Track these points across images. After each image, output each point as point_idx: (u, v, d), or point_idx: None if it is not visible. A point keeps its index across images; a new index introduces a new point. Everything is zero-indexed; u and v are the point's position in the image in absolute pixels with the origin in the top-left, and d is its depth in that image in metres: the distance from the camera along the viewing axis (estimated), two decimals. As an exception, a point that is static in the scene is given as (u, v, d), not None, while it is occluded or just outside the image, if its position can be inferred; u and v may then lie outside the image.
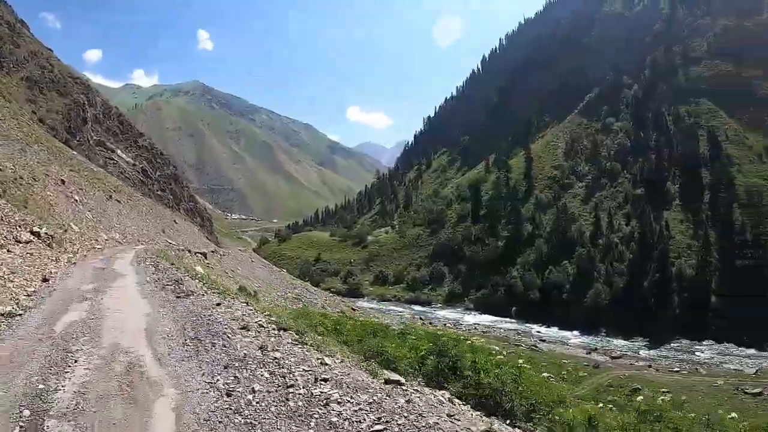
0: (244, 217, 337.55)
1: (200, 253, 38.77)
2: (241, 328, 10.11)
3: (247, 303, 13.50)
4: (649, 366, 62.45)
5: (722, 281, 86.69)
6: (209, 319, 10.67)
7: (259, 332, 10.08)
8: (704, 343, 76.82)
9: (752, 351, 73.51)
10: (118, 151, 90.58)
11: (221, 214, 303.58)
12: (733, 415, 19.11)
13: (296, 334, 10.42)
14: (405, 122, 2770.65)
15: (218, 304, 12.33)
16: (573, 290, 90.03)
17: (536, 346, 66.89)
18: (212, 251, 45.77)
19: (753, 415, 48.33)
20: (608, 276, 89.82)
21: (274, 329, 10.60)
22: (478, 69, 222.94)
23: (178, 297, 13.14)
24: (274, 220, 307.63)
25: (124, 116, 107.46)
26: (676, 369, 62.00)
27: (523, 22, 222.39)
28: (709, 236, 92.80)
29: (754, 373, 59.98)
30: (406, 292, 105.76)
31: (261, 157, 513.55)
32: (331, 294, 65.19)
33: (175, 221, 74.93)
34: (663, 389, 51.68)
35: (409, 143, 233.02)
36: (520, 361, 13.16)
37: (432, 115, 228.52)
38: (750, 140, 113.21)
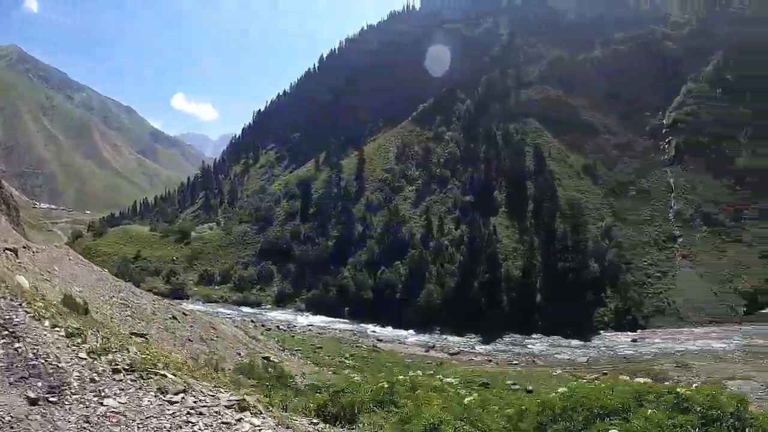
0: (54, 206, 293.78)
1: (9, 250, 28.14)
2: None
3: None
4: (489, 360, 62.28)
5: (546, 282, 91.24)
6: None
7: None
8: (534, 336, 79.78)
9: (577, 342, 78.18)
10: None
11: (28, 202, 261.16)
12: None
13: None
14: (233, 116, 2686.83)
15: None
16: (406, 290, 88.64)
17: (376, 347, 62.87)
18: (24, 247, 34.55)
19: None
20: (440, 277, 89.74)
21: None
22: (315, 68, 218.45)
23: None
24: (87, 212, 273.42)
25: None
26: (515, 362, 62.43)
27: (365, 27, 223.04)
28: (533, 242, 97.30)
29: (585, 362, 63.32)
30: (233, 292, 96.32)
31: (76, 138, 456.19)
32: (157, 297, 55.22)
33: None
34: (508, 381, 50.33)
35: (237, 136, 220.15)
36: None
37: (262, 109, 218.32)
38: (571, 159, 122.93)
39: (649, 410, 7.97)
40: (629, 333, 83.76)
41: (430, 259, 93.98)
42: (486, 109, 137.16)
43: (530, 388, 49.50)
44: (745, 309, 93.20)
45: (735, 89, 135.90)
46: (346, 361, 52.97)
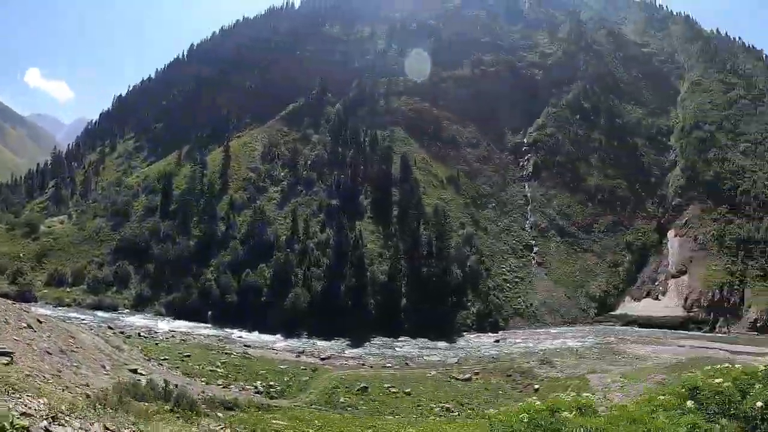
0: None
1: None
2: None
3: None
4: (362, 364, 62.29)
5: (411, 286, 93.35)
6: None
7: None
8: (400, 339, 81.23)
9: (444, 343, 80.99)
10: None
11: None
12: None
13: None
14: (90, 99, 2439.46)
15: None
16: (271, 294, 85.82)
17: (247, 353, 59.95)
18: None
19: (467, 395, 51.52)
20: (306, 280, 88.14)
21: None
22: (184, 55, 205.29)
23: None
24: None
25: None
26: (388, 365, 62.87)
27: (241, 20, 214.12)
28: (399, 247, 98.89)
29: (456, 362, 65.55)
30: (87, 295, 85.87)
31: None
32: (3, 300, 47.98)
33: None
34: (386, 384, 50.94)
35: (93, 122, 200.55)
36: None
37: (123, 94, 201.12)
38: (435, 169, 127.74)
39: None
40: (491, 334, 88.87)
41: (296, 262, 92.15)
42: (355, 114, 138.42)
43: (408, 390, 50.49)
44: (595, 311, 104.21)
45: (590, 117, 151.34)
46: (218, 370, 50.10)
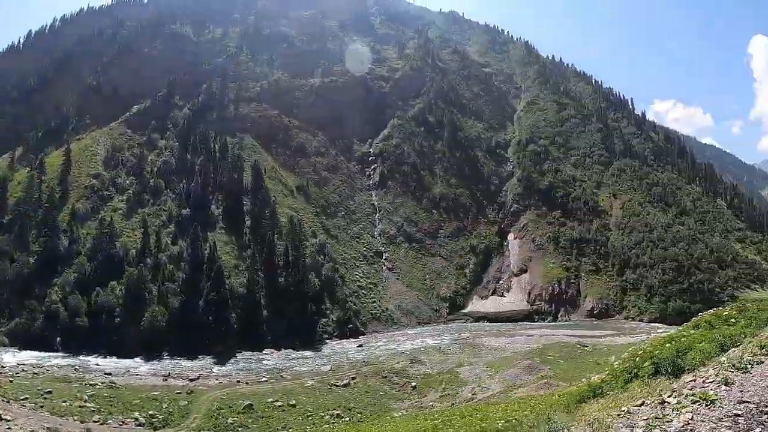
0: None
1: None
2: None
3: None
4: (238, 381, 61.79)
5: (270, 297, 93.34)
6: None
7: None
8: (265, 352, 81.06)
9: (309, 352, 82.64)
10: None
11: None
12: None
13: None
14: None
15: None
16: (126, 313, 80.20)
17: (113, 383, 56.52)
18: None
19: (352, 400, 54.25)
20: (162, 296, 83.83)
21: None
22: (19, 44, 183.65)
23: None
24: None
25: None
26: (264, 379, 63.09)
27: (85, 9, 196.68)
28: (255, 258, 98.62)
29: (329, 370, 67.47)
30: None
31: None
32: None
33: None
34: (269, 399, 51.87)
35: None
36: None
37: None
38: (284, 178, 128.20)
39: None
40: (353, 339, 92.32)
41: (150, 278, 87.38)
42: (204, 119, 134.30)
43: (293, 402, 51.90)
44: (447, 310, 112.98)
45: (434, 129, 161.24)
46: (88, 405, 47.08)
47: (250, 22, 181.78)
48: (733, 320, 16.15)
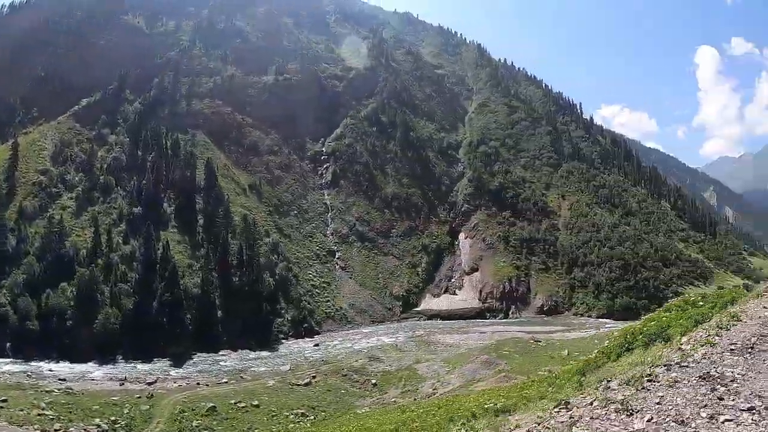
0: None
1: None
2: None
3: None
4: (198, 383, 62.05)
5: (225, 298, 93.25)
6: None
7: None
8: (222, 353, 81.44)
9: (266, 353, 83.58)
10: None
11: None
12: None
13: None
14: None
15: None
16: (78, 316, 78.58)
17: (70, 389, 56.02)
18: None
19: (315, 399, 55.63)
20: (115, 298, 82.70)
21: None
22: None
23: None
24: None
25: None
26: (224, 381, 63.68)
27: None
28: (209, 257, 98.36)
29: (289, 369, 68.43)
30: None
31: None
32: None
33: None
34: (232, 400, 52.64)
35: None
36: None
37: None
38: (237, 176, 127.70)
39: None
40: (308, 339, 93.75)
41: (102, 278, 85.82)
42: (156, 114, 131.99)
43: (256, 403, 52.86)
44: (401, 309, 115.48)
45: (387, 129, 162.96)
46: (47, 413, 46.79)
47: (204, 16, 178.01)
48: (700, 304, 19.91)
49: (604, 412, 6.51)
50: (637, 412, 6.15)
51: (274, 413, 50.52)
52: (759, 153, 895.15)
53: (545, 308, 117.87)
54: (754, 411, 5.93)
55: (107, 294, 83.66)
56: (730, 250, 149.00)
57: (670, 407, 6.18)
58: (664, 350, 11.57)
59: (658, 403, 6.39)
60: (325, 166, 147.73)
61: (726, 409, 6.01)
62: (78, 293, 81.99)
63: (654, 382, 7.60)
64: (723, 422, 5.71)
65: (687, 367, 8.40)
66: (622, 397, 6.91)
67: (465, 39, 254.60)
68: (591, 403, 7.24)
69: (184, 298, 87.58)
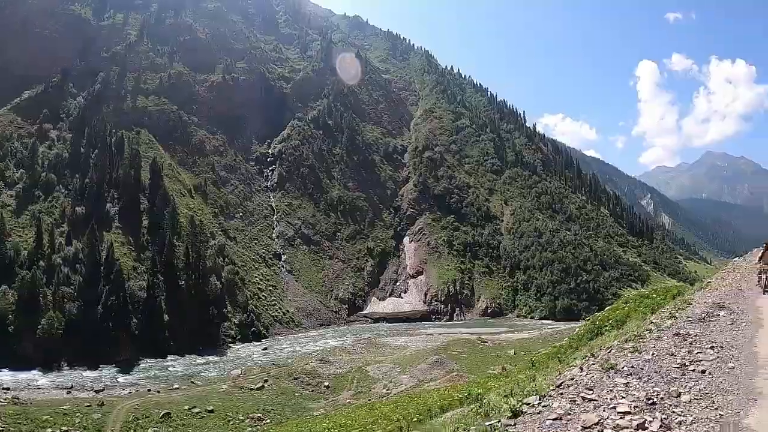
0: None
1: None
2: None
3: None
4: (149, 390, 62.09)
5: (171, 301, 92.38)
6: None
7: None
8: (170, 359, 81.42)
9: (214, 357, 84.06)
10: None
11: None
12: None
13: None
14: None
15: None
16: (20, 321, 76.44)
17: (17, 398, 54.86)
18: None
19: (269, 403, 56.80)
20: (58, 302, 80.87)
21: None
22: None
23: None
24: None
25: None
26: (175, 386, 63.97)
27: None
28: (155, 260, 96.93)
29: (241, 374, 69.38)
30: None
31: None
32: None
33: None
34: (185, 406, 53.26)
35: None
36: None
37: None
38: (182, 176, 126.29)
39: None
40: (256, 343, 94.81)
41: (44, 281, 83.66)
42: (100, 110, 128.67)
43: (210, 408, 53.69)
44: (347, 312, 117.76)
45: (333, 133, 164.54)
46: (-5, 424, 46.75)
47: (152, 10, 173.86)
48: (653, 296, 24.19)
49: (621, 353, 9.57)
50: (642, 351, 9.32)
51: (229, 418, 51.42)
52: (695, 163, 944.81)
53: (489, 311, 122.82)
54: (714, 348, 9.55)
55: (50, 298, 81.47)
56: (666, 254, 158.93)
57: (661, 349, 9.42)
58: (641, 323, 14.40)
59: (654, 347, 9.58)
60: (271, 168, 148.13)
61: (696, 348, 9.54)
62: (19, 297, 79.50)
63: (644, 339, 10.68)
64: (696, 353, 9.11)
65: (663, 330, 11.54)
66: (629, 346, 9.97)
67: (413, 45, 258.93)
68: (609, 349, 10.44)
69: (129, 302, 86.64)
